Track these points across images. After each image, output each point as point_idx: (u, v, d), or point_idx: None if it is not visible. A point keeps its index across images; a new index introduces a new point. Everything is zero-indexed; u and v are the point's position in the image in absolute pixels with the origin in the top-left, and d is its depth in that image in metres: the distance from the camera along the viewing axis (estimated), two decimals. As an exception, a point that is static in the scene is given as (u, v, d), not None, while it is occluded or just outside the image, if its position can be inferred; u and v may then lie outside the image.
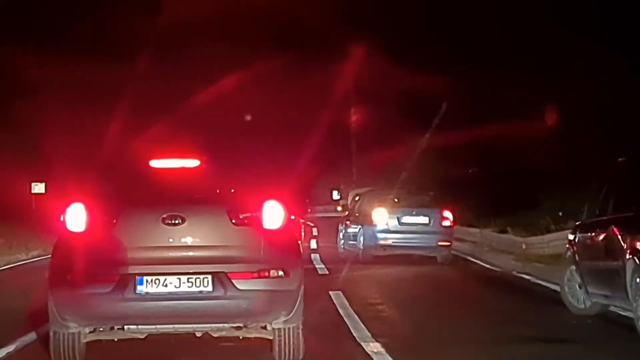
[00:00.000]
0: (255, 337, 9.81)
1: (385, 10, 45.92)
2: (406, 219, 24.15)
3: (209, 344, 10.43)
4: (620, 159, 13.92)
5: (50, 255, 9.69)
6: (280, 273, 9.23)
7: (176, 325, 9.48)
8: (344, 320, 12.97)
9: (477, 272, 22.35)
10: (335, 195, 40.05)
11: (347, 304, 14.62)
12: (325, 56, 46.52)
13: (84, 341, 9.53)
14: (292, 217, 21.61)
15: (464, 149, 37.85)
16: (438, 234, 24.04)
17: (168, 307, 9.12)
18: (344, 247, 26.65)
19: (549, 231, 24.18)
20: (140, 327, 9.44)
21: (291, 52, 45.45)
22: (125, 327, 9.42)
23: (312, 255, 25.48)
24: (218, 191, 9.88)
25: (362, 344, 10.93)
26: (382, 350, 10.44)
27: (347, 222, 26.55)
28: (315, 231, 36.11)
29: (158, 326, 9.44)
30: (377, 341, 11.01)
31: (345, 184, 49.18)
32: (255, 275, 9.15)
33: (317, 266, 23.06)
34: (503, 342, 11.33)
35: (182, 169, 9.95)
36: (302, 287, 9.57)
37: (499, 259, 24.32)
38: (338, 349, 10.86)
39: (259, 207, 9.36)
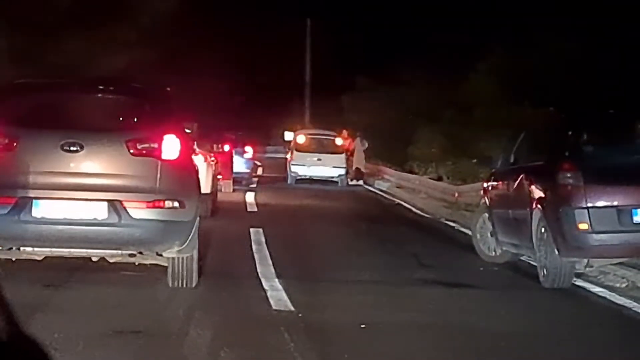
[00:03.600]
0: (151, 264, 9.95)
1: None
2: None
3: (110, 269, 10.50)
4: (549, 109, 14.02)
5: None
6: (176, 204, 9.31)
7: (71, 250, 9.56)
8: (253, 256, 13.04)
9: (405, 217, 22.47)
10: (288, 136, 40.04)
11: (263, 240, 14.67)
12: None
13: None
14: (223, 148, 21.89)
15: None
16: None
17: (63, 232, 9.24)
18: None
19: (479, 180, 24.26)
20: (36, 249, 9.51)
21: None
22: (21, 248, 9.48)
23: (247, 193, 25.63)
24: (120, 120, 9.86)
25: (262, 279, 10.97)
26: (280, 287, 10.46)
27: None
28: (260, 170, 39.07)
29: (53, 249, 9.52)
30: (278, 278, 11.04)
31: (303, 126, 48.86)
32: (150, 205, 9.23)
33: (248, 202, 23.29)
34: (406, 284, 11.44)
35: (90, 96, 9.91)
36: (198, 218, 9.65)
37: (432, 206, 24.50)
38: (237, 282, 10.89)
39: (159, 139, 9.37)
